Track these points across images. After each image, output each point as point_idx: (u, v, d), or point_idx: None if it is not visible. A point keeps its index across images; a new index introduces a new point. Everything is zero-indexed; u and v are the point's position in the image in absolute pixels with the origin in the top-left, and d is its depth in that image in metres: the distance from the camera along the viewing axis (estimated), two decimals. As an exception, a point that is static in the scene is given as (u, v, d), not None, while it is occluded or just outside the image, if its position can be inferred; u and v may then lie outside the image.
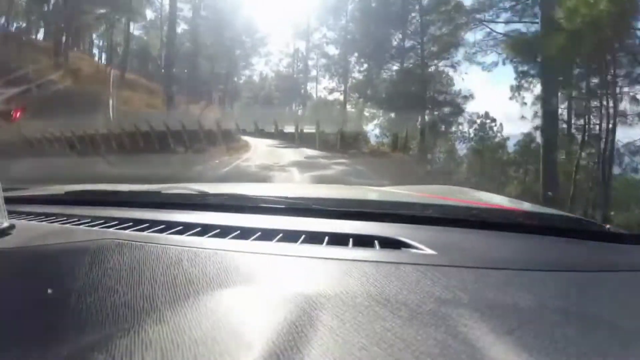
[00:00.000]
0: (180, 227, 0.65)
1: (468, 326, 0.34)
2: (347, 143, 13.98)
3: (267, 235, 0.62)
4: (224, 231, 0.64)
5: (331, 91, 18.97)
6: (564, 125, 11.06)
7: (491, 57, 11.88)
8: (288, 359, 0.29)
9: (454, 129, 14.14)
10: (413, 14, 13.98)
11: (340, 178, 8.69)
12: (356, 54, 16.55)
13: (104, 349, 0.31)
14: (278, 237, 0.61)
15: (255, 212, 0.77)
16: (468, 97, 13.22)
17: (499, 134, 13.41)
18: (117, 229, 0.66)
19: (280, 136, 21.59)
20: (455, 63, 13.09)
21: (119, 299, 0.40)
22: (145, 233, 0.64)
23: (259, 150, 13.98)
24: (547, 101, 10.45)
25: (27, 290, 0.45)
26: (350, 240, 0.61)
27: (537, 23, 10.68)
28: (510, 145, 12.77)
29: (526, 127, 11.42)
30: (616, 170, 9.83)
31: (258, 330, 0.33)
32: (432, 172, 12.96)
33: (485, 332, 0.33)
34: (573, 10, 8.37)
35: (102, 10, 13.42)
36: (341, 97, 18.09)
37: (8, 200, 0.65)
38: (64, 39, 13.07)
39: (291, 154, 12.13)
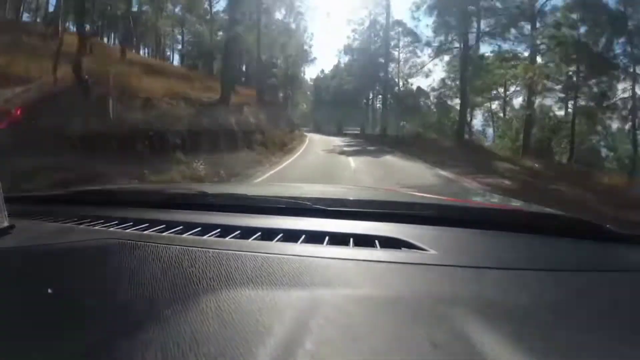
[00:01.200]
0: (180, 227, 0.65)
1: (468, 326, 0.34)
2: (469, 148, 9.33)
3: (268, 235, 0.61)
4: (224, 231, 0.63)
5: (439, 52, 12.79)
6: None
7: None
8: (289, 358, 0.29)
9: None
10: None
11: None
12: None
13: (104, 349, 0.31)
14: (278, 237, 0.60)
15: (256, 212, 0.76)
16: None
17: None
18: (117, 228, 0.67)
19: (352, 135, 17.78)
20: None
21: (119, 298, 0.40)
22: (145, 233, 0.64)
23: (308, 159, 9.63)
24: None
25: (27, 290, 0.44)
26: (351, 239, 0.59)
27: None
28: None
29: None
30: None
31: (259, 330, 0.33)
32: None
33: (485, 332, 0.33)
34: None
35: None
36: (453, 66, 12.04)
37: (8, 200, 0.68)
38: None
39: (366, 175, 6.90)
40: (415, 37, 15.52)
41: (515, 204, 1.06)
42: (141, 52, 17.88)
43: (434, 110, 21.38)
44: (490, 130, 18.15)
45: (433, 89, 15.30)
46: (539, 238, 0.65)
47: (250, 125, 9.87)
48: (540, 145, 13.33)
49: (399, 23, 16.88)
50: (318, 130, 17.82)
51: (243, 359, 0.29)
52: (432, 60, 13.70)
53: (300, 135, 16.51)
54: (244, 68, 17.91)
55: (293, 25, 18.17)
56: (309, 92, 23.28)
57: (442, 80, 15.61)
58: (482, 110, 16.11)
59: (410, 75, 15.23)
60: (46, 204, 0.89)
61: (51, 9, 14.26)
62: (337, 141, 14.88)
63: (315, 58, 21.03)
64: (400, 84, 18.22)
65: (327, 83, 23.27)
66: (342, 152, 11.28)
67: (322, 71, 22.79)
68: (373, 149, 12.68)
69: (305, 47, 19.55)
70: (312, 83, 23.29)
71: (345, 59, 20.54)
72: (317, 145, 13.23)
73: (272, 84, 19.06)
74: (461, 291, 0.42)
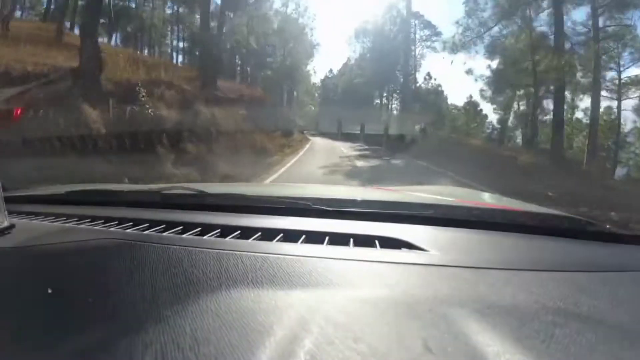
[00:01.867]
0: (180, 227, 0.65)
1: (468, 326, 0.34)
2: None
3: (268, 235, 0.61)
4: (224, 231, 0.64)
5: (509, 13, 9.37)
6: None
7: None
8: (289, 358, 0.29)
9: None
10: None
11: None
12: None
13: (104, 349, 0.32)
14: (278, 237, 0.60)
15: (256, 212, 0.76)
16: None
17: None
18: (117, 228, 0.67)
19: (364, 139, 14.68)
20: None
21: (119, 298, 0.41)
22: (145, 233, 0.64)
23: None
24: None
25: (27, 290, 0.45)
26: (351, 240, 0.60)
27: None
28: None
29: None
30: None
31: (259, 330, 0.33)
32: None
33: (484, 332, 0.33)
34: None
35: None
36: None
37: (8, 200, 0.68)
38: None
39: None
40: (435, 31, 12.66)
41: (516, 204, 1.06)
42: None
43: (462, 111, 17.65)
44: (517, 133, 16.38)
45: (476, 79, 11.46)
46: (539, 238, 0.64)
47: (172, 123, 5.87)
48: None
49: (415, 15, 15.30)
50: (325, 133, 16.43)
51: (243, 359, 0.29)
52: (497, 24, 9.54)
53: (300, 140, 13.03)
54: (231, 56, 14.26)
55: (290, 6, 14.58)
56: (317, 94, 20.09)
57: (491, 69, 11.59)
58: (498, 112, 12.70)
59: (464, 46, 11.16)
60: (46, 204, 0.89)
61: None
62: (345, 148, 11.10)
63: (318, 44, 17.54)
64: (422, 79, 14.95)
65: (335, 82, 20.14)
66: (353, 172, 7.28)
67: (331, 70, 20.02)
68: (398, 162, 8.69)
69: (307, 30, 15.81)
70: (320, 84, 20.32)
71: (356, 46, 17.47)
72: (317, 156, 9.37)
73: (266, 77, 15.26)
74: (461, 291, 0.43)
